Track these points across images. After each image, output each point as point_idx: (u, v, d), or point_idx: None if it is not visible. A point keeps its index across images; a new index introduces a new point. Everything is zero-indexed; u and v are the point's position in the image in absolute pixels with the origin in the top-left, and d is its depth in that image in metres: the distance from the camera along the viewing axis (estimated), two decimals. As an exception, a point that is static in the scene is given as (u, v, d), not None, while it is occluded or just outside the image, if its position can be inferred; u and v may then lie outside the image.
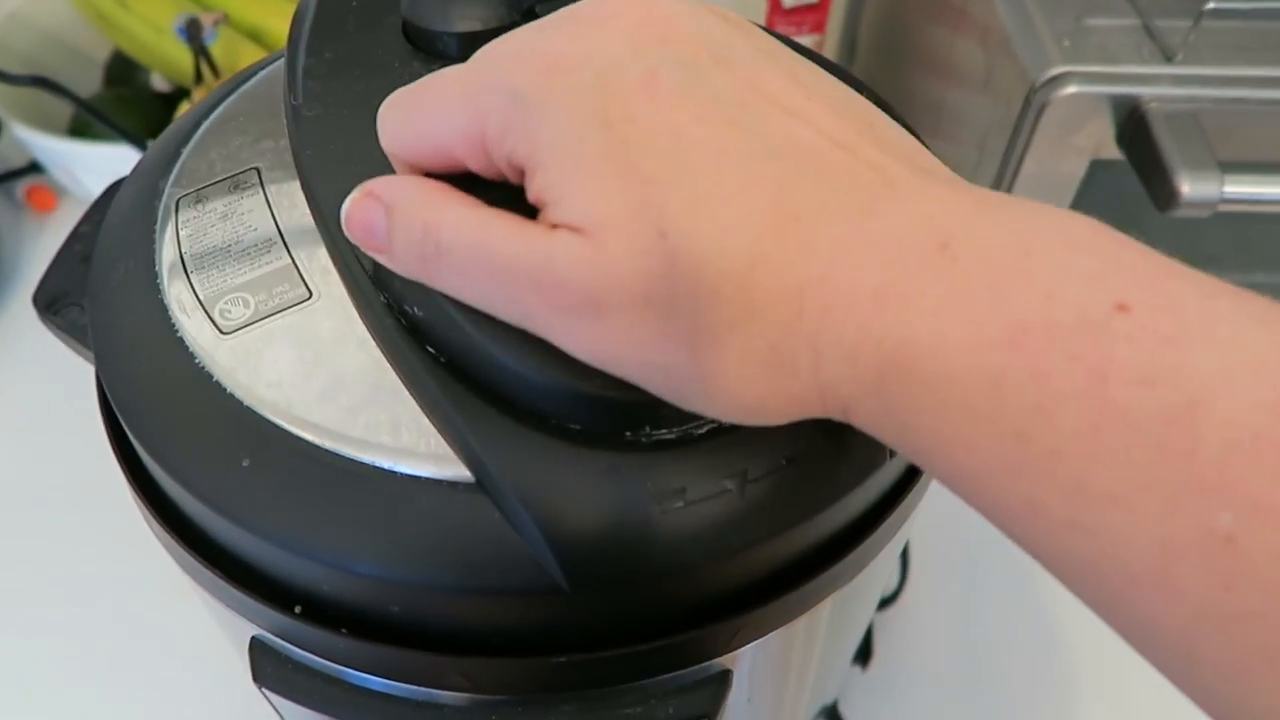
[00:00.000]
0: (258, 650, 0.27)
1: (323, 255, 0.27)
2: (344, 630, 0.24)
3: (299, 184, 0.29)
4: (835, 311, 0.19)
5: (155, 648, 0.50)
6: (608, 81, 0.21)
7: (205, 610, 0.33)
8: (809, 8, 0.68)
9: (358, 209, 0.23)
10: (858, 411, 0.20)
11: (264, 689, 0.27)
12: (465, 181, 0.23)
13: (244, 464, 0.24)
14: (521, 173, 0.22)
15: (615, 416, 0.23)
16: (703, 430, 0.24)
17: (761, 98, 0.21)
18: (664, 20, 0.22)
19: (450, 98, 0.22)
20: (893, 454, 0.26)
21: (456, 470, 0.23)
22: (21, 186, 0.70)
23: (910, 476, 0.29)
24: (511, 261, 0.21)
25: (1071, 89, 0.44)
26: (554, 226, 0.21)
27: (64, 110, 0.69)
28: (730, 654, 0.27)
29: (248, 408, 0.24)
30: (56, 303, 0.32)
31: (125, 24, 0.66)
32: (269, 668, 0.27)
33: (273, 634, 0.26)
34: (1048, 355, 0.17)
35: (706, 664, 0.27)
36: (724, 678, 0.27)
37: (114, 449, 0.28)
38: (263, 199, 0.29)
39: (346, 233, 0.23)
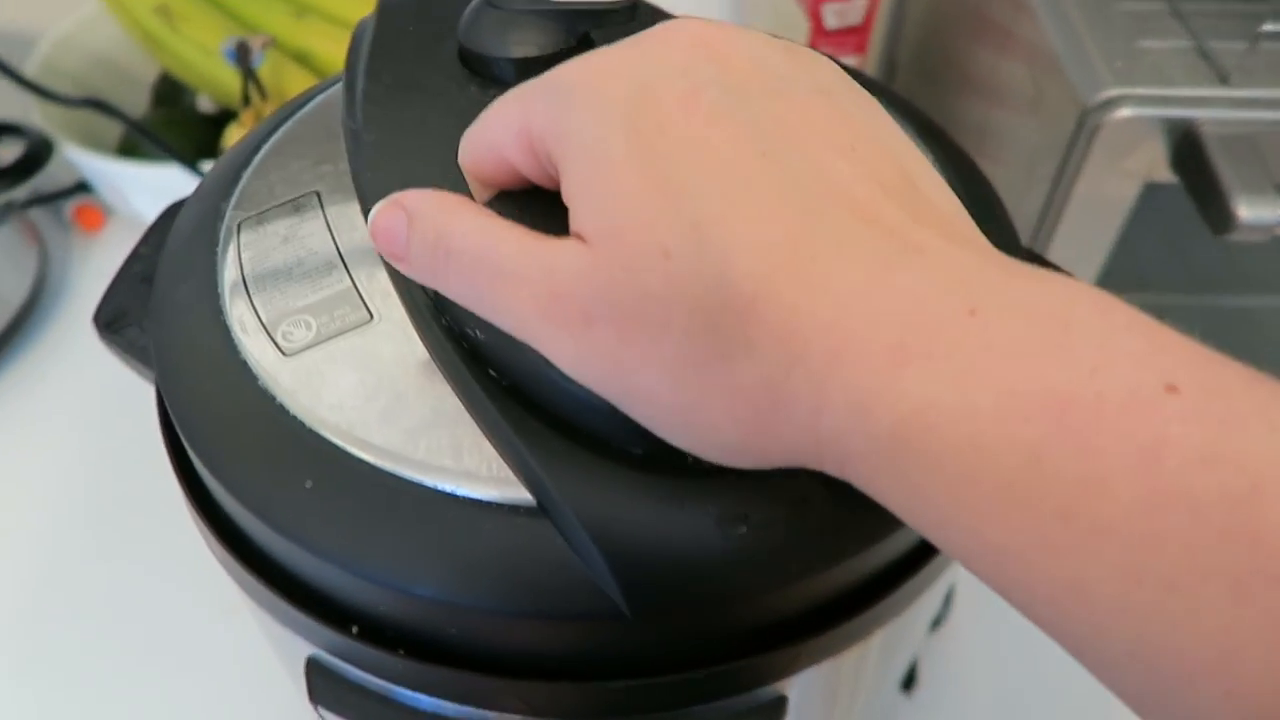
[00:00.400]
0: (314, 670, 0.27)
1: (383, 278, 0.27)
2: (401, 651, 0.24)
3: (359, 207, 0.29)
4: (846, 360, 0.18)
5: (204, 664, 0.50)
6: (648, 90, 0.20)
7: (257, 628, 0.33)
8: (851, 29, 0.68)
9: (382, 216, 0.23)
10: (860, 468, 0.19)
11: (320, 708, 0.27)
12: (525, 201, 0.23)
13: (307, 485, 0.24)
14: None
15: None
16: None
17: (804, 135, 0.20)
18: (722, 45, 0.22)
19: (509, 101, 0.23)
20: None
21: (518, 494, 0.23)
22: (69, 206, 0.71)
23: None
24: (515, 270, 0.21)
25: (1125, 111, 0.44)
26: (570, 236, 0.21)
27: (113, 131, 0.70)
28: (785, 680, 0.26)
29: (310, 429, 0.25)
30: (116, 322, 0.33)
31: (174, 46, 0.67)
32: (325, 687, 0.27)
33: (330, 654, 0.26)
34: (1095, 431, 0.16)
35: (761, 690, 0.27)
36: (779, 704, 0.27)
37: (174, 466, 0.28)
38: (323, 222, 0.29)
39: (371, 239, 0.24)
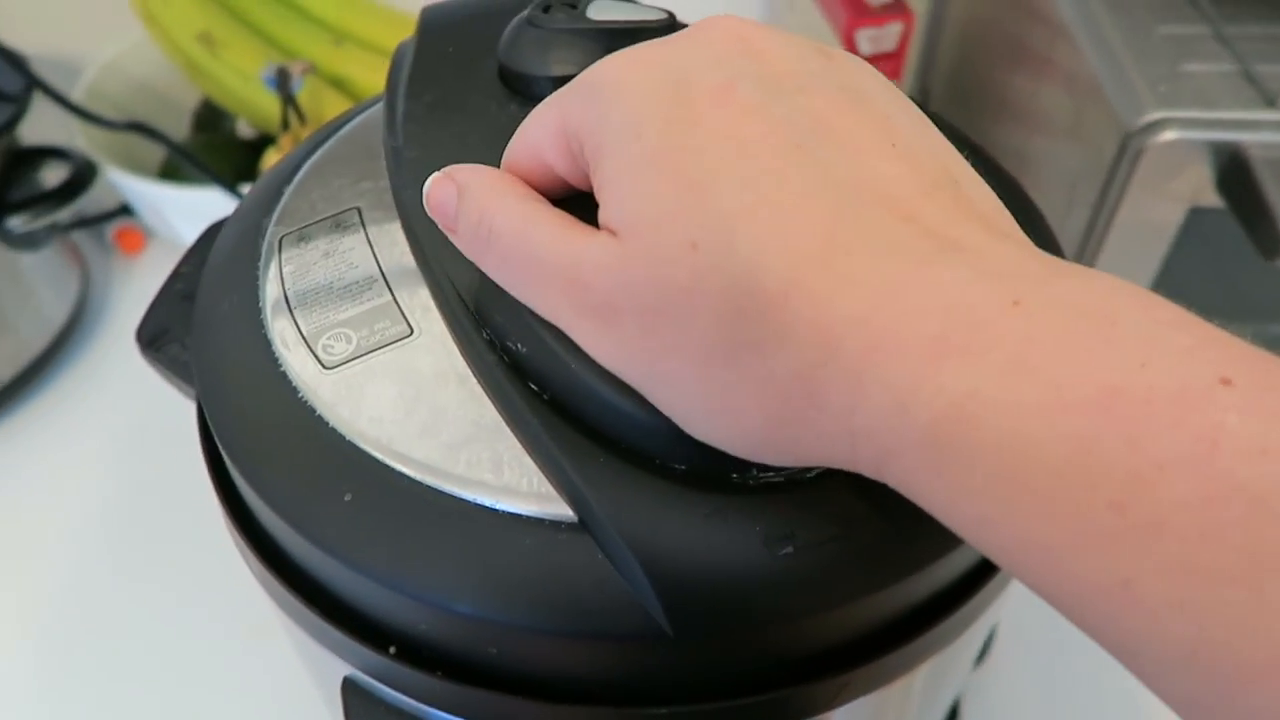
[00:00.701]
0: (350, 691, 0.27)
1: (423, 293, 0.27)
2: (440, 672, 0.24)
3: (399, 223, 0.29)
4: (882, 355, 0.18)
5: (234, 689, 0.50)
6: (682, 84, 0.20)
7: (291, 649, 0.33)
8: (885, 55, 0.68)
9: (436, 188, 0.24)
10: (898, 466, 0.18)
11: (355, 730, 0.27)
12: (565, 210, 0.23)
13: (345, 499, 0.24)
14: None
15: (722, 457, 0.22)
16: (811, 474, 0.23)
17: (840, 132, 0.20)
18: (758, 41, 0.22)
19: (547, 103, 0.23)
20: None
21: (559, 509, 0.23)
22: (111, 229, 0.72)
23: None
24: (546, 257, 0.21)
25: (1169, 134, 0.43)
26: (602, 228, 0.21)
27: (154, 156, 0.71)
28: (832, 712, 0.26)
29: (350, 442, 0.24)
30: (158, 339, 0.33)
31: (216, 73, 0.68)
32: (361, 709, 0.27)
33: (367, 674, 0.26)
34: (1145, 421, 0.15)
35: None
36: (824, 734, 0.26)
37: (213, 481, 0.28)
38: (364, 238, 0.29)
39: (426, 207, 0.24)
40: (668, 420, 0.22)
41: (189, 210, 0.65)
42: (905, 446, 0.18)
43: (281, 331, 0.27)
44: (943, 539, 0.23)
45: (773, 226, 0.19)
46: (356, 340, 0.26)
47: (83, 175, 0.62)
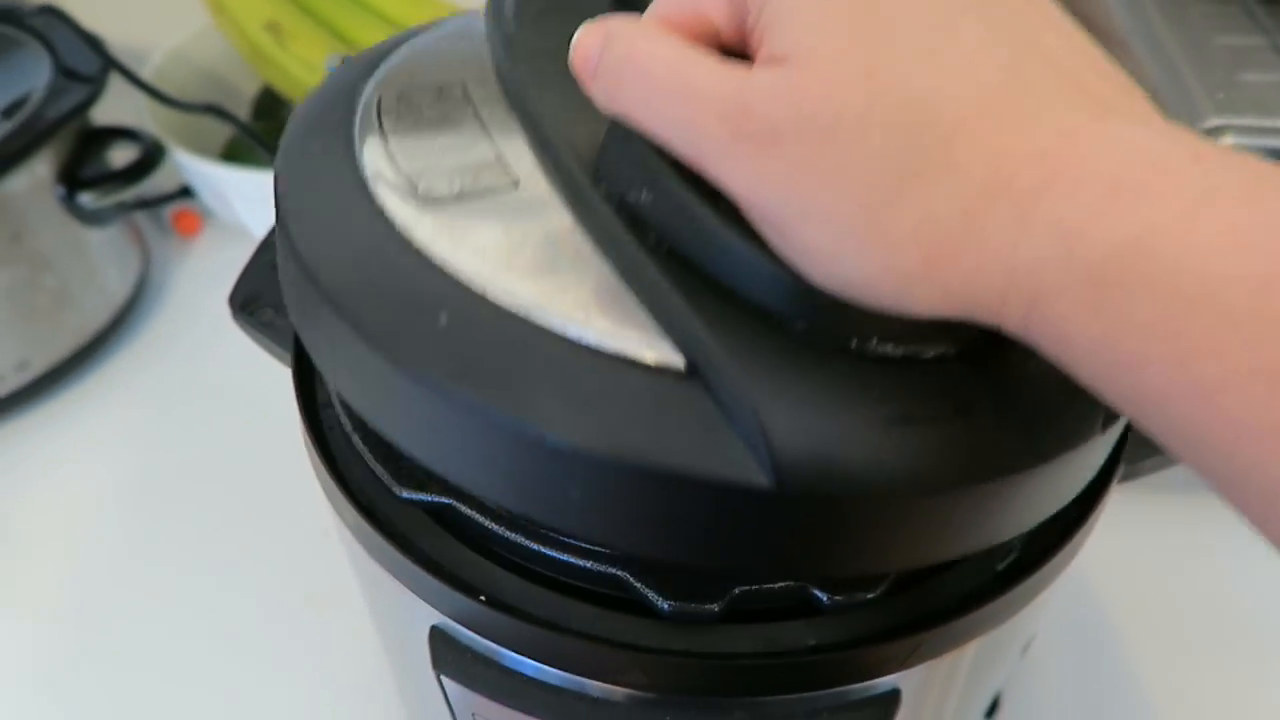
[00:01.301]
0: (438, 639, 0.27)
1: (527, 155, 0.26)
2: (524, 618, 0.25)
3: (502, 93, 0.28)
4: (1058, 189, 0.18)
5: (286, 654, 0.49)
6: None
7: (367, 608, 0.34)
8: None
9: (585, 34, 0.23)
10: (1051, 305, 0.18)
11: (442, 676, 0.28)
12: None
13: (441, 323, 0.22)
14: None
15: (844, 321, 0.21)
16: (930, 355, 0.22)
17: (1008, 4, 0.21)
18: None
19: None
20: (1108, 421, 0.23)
21: (668, 357, 0.22)
22: (168, 210, 0.72)
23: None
24: (704, 85, 0.21)
25: (1228, 140, 0.43)
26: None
27: (217, 140, 0.72)
28: (900, 674, 0.26)
29: (449, 275, 0.23)
30: (250, 304, 0.34)
31: (282, 62, 0.69)
32: (449, 657, 0.27)
33: (457, 621, 0.26)
34: None
35: (875, 681, 0.26)
36: (893, 696, 0.26)
37: (305, 426, 0.29)
38: (467, 102, 0.28)
39: (572, 61, 0.23)
40: (793, 272, 0.21)
41: (252, 193, 0.65)
42: (1067, 283, 0.18)
43: (378, 167, 0.26)
44: (1056, 433, 0.23)
45: (952, 65, 0.19)
46: (460, 184, 0.25)
47: (151, 155, 0.63)
